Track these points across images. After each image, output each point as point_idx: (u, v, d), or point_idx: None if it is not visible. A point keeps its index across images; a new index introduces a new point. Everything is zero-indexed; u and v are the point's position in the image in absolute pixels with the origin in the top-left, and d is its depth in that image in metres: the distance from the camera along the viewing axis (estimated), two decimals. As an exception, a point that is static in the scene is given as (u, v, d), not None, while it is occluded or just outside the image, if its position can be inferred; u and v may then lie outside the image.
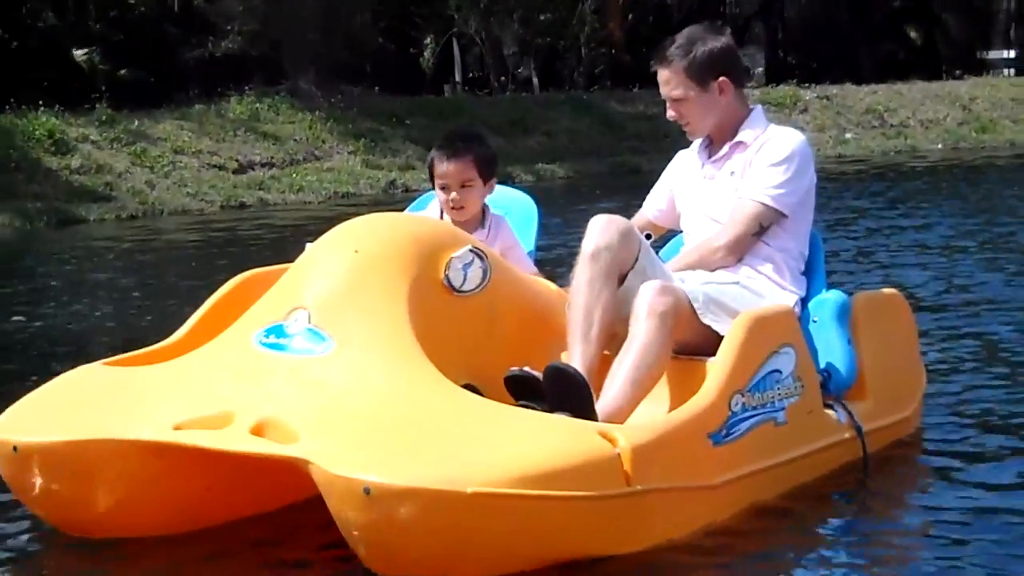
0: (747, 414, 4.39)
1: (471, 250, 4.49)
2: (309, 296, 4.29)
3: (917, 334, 5.57)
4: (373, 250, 4.37)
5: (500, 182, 5.32)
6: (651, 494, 4.02)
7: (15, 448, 4.20)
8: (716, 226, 4.91)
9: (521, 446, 3.83)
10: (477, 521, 3.72)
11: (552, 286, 5.01)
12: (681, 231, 5.24)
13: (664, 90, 4.91)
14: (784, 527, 4.42)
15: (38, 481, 4.20)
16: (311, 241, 4.61)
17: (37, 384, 4.62)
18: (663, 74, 4.90)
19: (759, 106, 5.09)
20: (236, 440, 3.93)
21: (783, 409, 4.54)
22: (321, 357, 4.13)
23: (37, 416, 4.35)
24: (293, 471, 3.87)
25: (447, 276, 4.43)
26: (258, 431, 3.94)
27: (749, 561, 4.17)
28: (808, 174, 4.90)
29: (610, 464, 3.90)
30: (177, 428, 4.04)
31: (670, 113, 4.95)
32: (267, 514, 4.48)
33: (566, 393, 4.22)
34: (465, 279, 4.47)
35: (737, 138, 4.94)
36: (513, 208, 5.56)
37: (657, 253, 4.93)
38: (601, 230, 4.58)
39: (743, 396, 4.38)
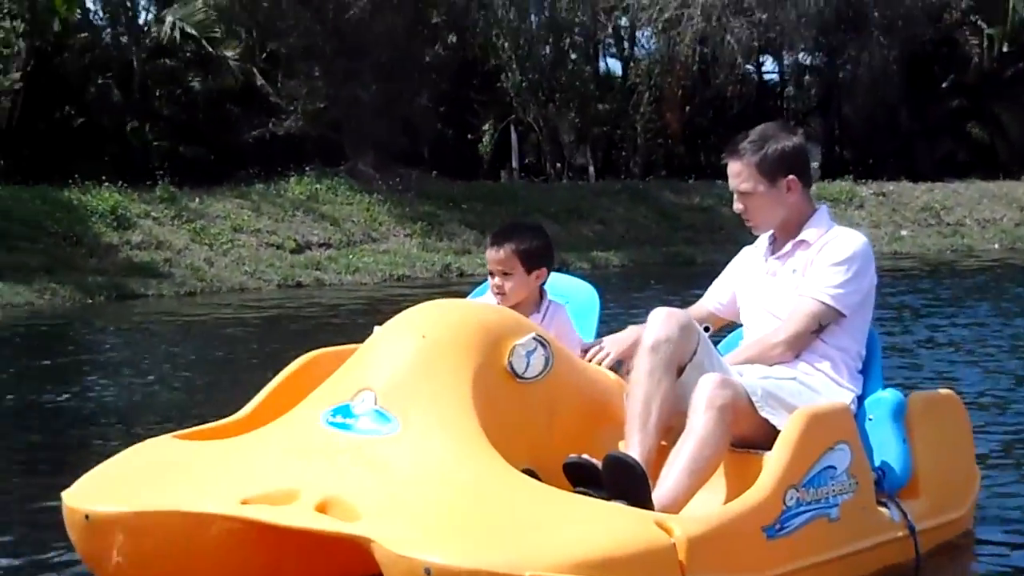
0: (801, 509, 4.44)
1: (535, 338, 4.61)
2: (376, 378, 4.39)
3: (971, 435, 5.57)
4: (440, 335, 4.48)
5: (556, 269, 5.45)
6: (704, 585, 4.06)
7: (87, 517, 4.29)
8: (776, 322, 4.98)
9: (579, 532, 3.90)
10: (534, 604, 3.78)
11: (611, 375, 5.08)
12: (740, 325, 5.30)
13: (733, 182, 4.99)
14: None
15: (107, 550, 4.28)
16: (379, 324, 4.72)
17: (97, 454, 4.74)
18: (734, 166, 4.98)
19: (824, 206, 5.18)
20: (301, 517, 4.00)
21: (837, 505, 4.58)
22: (386, 438, 4.23)
23: (108, 486, 4.44)
24: (355, 549, 3.94)
25: (511, 363, 4.54)
26: (322, 508, 4.01)
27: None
28: (868, 275, 4.97)
29: (666, 554, 3.97)
30: (244, 503, 4.12)
31: (736, 206, 5.04)
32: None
33: (624, 482, 4.30)
34: (528, 366, 4.57)
35: (800, 236, 5.02)
36: (575, 296, 5.68)
37: (716, 346, 4.99)
38: (662, 323, 4.66)
39: (798, 491, 4.43)
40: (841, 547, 4.63)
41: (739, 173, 4.96)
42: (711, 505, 4.46)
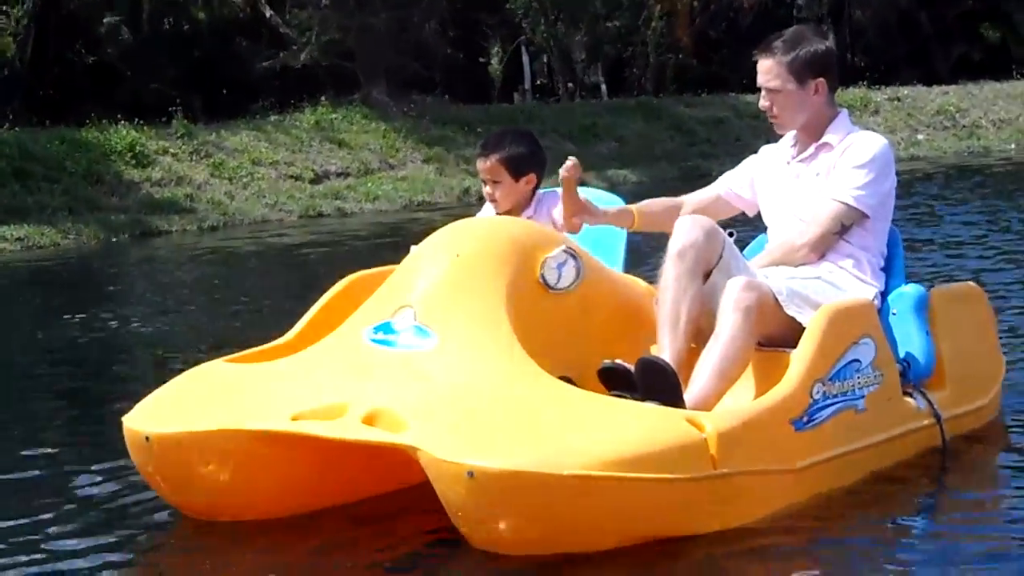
0: (828, 402, 4.59)
1: (565, 250, 4.79)
2: (414, 295, 4.59)
3: (995, 325, 5.70)
4: (473, 252, 4.68)
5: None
6: (736, 477, 4.25)
7: (147, 438, 4.55)
8: (801, 224, 5.11)
9: (614, 432, 4.09)
10: (572, 501, 3.98)
11: (641, 283, 5.27)
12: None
13: (762, 79, 5.10)
14: (863, 511, 4.59)
15: (166, 468, 4.57)
16: (414, 244, 4.93)
17: (143, 383, 4.94)
18: (764, 63, 5.09)
19: (845, 110, 5.26)
20: (350, 429, 4.21)
21: (863, 397, 4.73)
22: (426, 352, 4.43)
23: (166, 409, 4.68)
24: (402, 458, 4.20)
25: (542, 275, 4.73)
26: (369, 421, 4.21)
27: (827, 544, 4.35)
28: (889, 177, 5.10)
29: (697, 448, 4.16)
30: (295, 419, 4.32)
31: (763, 103, 5.15)
32: (377, 498, 4.77)
33: (656, 383, 4.48)
34: (560, 277, 4.76)
35: (823, 139, 5.13)
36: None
37: (741, 251, 5.13)
38: (687, 230, 4.82)
39: (824, 384, 4.58)
40: (869, 437, 4.79)
41: (769, 70, 5.08)
42: (741, 402, 4.63)
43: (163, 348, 8.83)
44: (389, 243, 15.01)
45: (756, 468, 4.34)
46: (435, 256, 4.71)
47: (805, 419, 4.52)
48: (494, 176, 5.46)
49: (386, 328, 4.52)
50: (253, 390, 4.59)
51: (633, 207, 5.36)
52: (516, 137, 5.58)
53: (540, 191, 5.55)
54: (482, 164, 5.52)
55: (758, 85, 5.13)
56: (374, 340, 4.51)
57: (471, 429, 4.09)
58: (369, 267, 5.35)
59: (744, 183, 5.39)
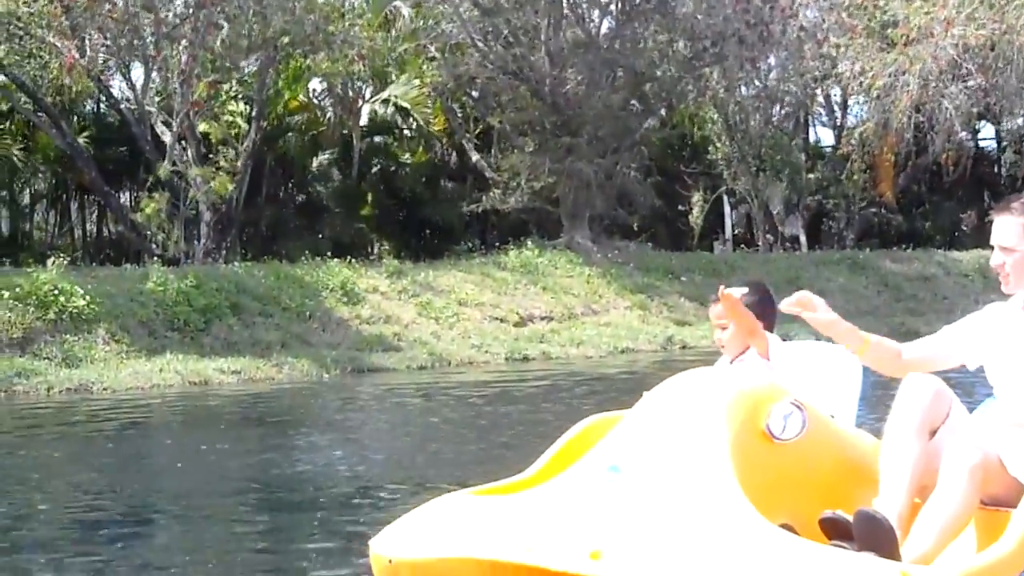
0: None
1: (792, 402, 4.93)
2: (647, 440, 4.79)
3: None
4: (702, 401, 4.85)
5: (784, 337, 5.97)
6: (949, 631, 4.27)
7: (390, 561, 4.79)
8: None
9: None
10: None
11: (868, 437, 5.34)
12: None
13: (996, 237, 5.11)
14: None
15: None
16: (647, 390, 5.09)
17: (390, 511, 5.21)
18: (1000, 221, 5.12)
19: None
20: (577, 563, 4.38)
21: None
22: (653, 495, 4.59)
23: (409, 534, 4.91)
24: None
25: (768, 424, 4.87)
26: (595, 556, 4.38)
27: None
28: None
29: None
30: (528, 551, 4.49)
31: (994, 260, 5.13)
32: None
33: (873, 535, 4.57)
34: (784, 428, 4.90)
35: None
36: (838, 363, 6.01)
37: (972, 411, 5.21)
38: (916, 388, 4.90)
39: None
40: None
41: (1005, 228, 5.10)
42: (960, 559, 4.67)
43: (409, 478, 8.88)
44: (605, 386, 14.93)
45: (972, 624, 4.36)
46: (665, 403, 4.92)
47: None
48: (729, 318, 5.74)
49: (615, 469, 4.75)
50: (493, 521, 4.79)
51: (866, 334, 5.32)
52: (755, 287, 5.89)
53: (773, 348, 5.75)
54: (715, 310, 5.81)
55: (991, 243, 5.13)
56: (606, 480, 4.73)
57: (688, 570, 4.27)
58: (601, 410, 5.59)
59: (966, 337, 5.31)
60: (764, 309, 5.80)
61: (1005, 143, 39.61)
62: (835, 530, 4.66)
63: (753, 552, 4.31)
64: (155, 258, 25.36)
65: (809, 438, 4.94)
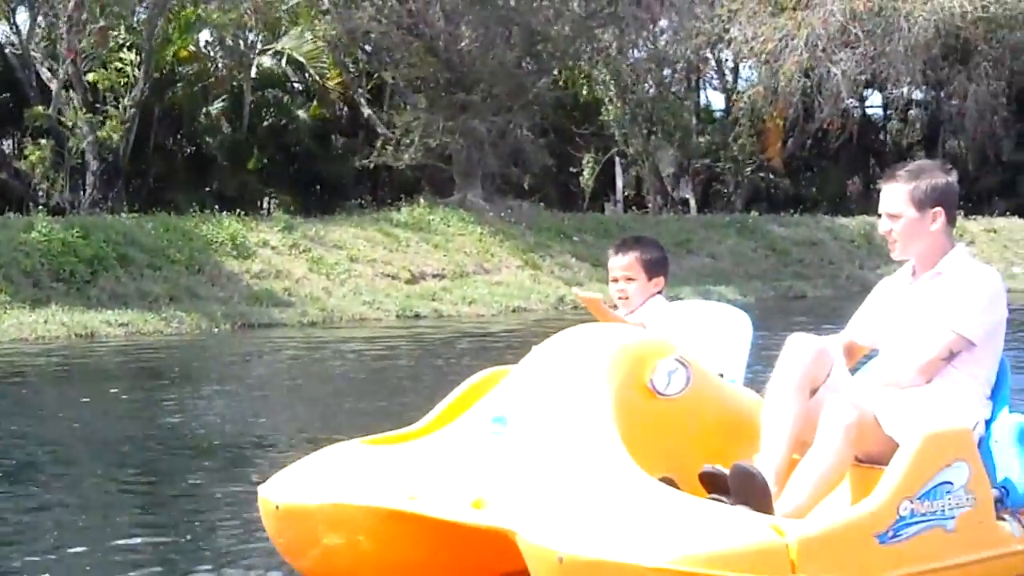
0: (915, 519, 4.74)
1: (676, 359, 5.11)
2: (531, 393, 4.97)
3: None
4: (587, 356, 5.02)
5: (670, 298, 6.08)
6: (816, 583, 4.44)
7: (277, 507, 5.01)
8: (911, 349, 5.26)
9: (699, 531, 4.32)
10: (657, 592, 4.24)
11: (752, 394, 5.52)
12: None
13: (884, 204, 5.35)
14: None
15: (292, 536, 5.02)
16: (536, 344, 5.27)
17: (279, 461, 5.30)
18: (887, 189, 5.36)
19: (962, 244, 5.43)
20: (458, 512, 4.62)
21: (953, 518, 4.86)
22: (535, 445, 4.77)
23: (297, 481, 5.11)
24: (505, 541, 4.52)
25: (651, 380, 5.04)
26: (478, 506, 4.61)
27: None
28: (999, 308, 5.23)
29: (778, 553, 4.35)
30: (412, 499, 4.73)
31: (882, 227, 5.38)
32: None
33: (747, 489, 4.75)
34: (668, 383, 5.06)
35: (937, 269, 5.31)
36: (728, 322, 6.12)
37: (855, 371, 5.45)
38: (797, 347, 5.10)
39: (912, 502, 4.73)
40: (956, 556, 4.90)
41: (892, 196, 5.34)
42: (832, 513, 4.80)
43: (305, 429, 8.86)
44: (490, 347, 14.96)
45: (836, 576, 4.52)
46: (552, 357, 5.10)
47: (890, 534, 4.67)
48: (630, 273, 5.87)
49: (501, 421, 4.92)
50: (379, 469, 4.99)
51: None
52: (650, 241, 6.05)
53: (652, 299, 5.91)
54: (619, 260, 5.90)
55: (879, 211, 5.39)
56: (491, 431, 4.92)
57: (566, 518, 4.40)
58: (497, 364, 5.68)
59: (868, 325, 5.58)
60: (659, 266, 5.92)
61: (891, 111, 40.18)
62: (714, 484, 4.84)
63: (628, 503, 4.44)
64: (40, 207, 24.88)
65: (694, 394, 5.11)
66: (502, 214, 27.08)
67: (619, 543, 4.25)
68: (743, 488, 4.74)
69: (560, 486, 4.54)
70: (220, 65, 32.16)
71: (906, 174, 5.32)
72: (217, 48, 32.34)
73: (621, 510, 4.41)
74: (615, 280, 5.91)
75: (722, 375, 5.82)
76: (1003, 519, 5.09)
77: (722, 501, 4.72)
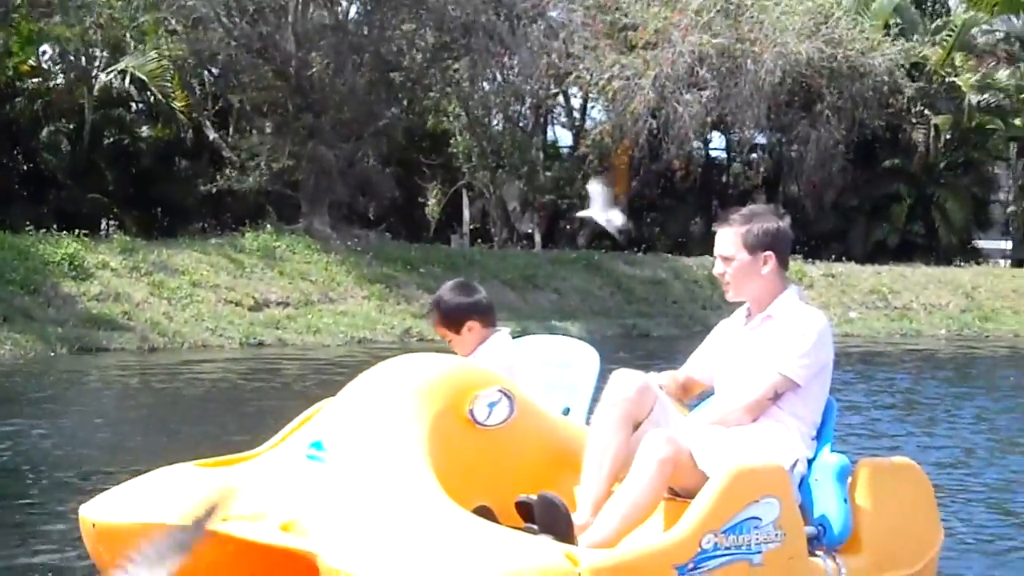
0: (718, 552, 4.82)
1: (499, 390, 5.20)
2: (344, 420, 5.07)
3: (931, 499, 5.85)
4: (406, 384, 5.12)
5: (516, 335, 6.15)
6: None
7: (93, 525, 5.18)
8: (740, 389, 5.45)
9: (493, 558, 4.40)
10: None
11: (578, 427, 5.63)
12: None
13: (718, 247, 5.53)
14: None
15: (107, 553, 5.09)
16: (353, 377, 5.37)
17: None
18: (722, 232, 5.54)
19: (794, 286, 5.61)
20: (266, 533, 4.77)
21: (760, 553, 4.95)
22: (346, 470, 4.88)
23: (116, 501, 5.25)
24: (313, 565, 4.62)
25: (471, 410, 5.14)
26: (285, 528, 4.76)
27: None
28: (824, 351, 5.42)
29: None
30: (225, 520, 4.77)
31: (716, 268, 5.56)
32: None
33: (551, 518, 4.91)
34: (490, 414, 5.16)
35: (768, 311, 5.49)
36: (575, 357, 6.23)
37: (694, 408, 5.66)
38: (621, 382, 5.25)
39: (716, 536, 4.83)
40: None
41: (724, 239, 5.52)
42: (633, 543, 4.90)
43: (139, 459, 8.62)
44: (332, 378, 14.76)
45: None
46: (369, 387, 5.19)
47: (690, 566, 4.73)
48: (442, 336, 6.05)
49: (318, 446, 5.04)
50: (197, 491, 5.02)
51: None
52: (456, 290, 6.09)
53: (491, 339, 5.89)
54: (433, 327, 6.14)
55: (715, 253, 5.56)
56: (307, 456, 5.04)
57: (367, 543, 4.52)
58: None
59: (705, 364, 5.75)
60: (474, 308, 5.95)
61: (735, 153, 40.80)
62: (527, 513, 5.01)
63: (429, 530, 4.56)
64: None
65: (518, 425, 5.23)
66: (348, 243, 26.78)
67: (413, 568, 4.36)
68: (547, 517, 4.89)
69: (366, 511, 4.67)
70: (61, 81, 31.33)
71: (739, 218, 5.50)
72: (59, 64, 31.50)
73: (421, 536, 4.51)
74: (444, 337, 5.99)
75: (568, 409, 5.93)
76: (816, 555, 5.19)
77: (532, 530, 4.87)
